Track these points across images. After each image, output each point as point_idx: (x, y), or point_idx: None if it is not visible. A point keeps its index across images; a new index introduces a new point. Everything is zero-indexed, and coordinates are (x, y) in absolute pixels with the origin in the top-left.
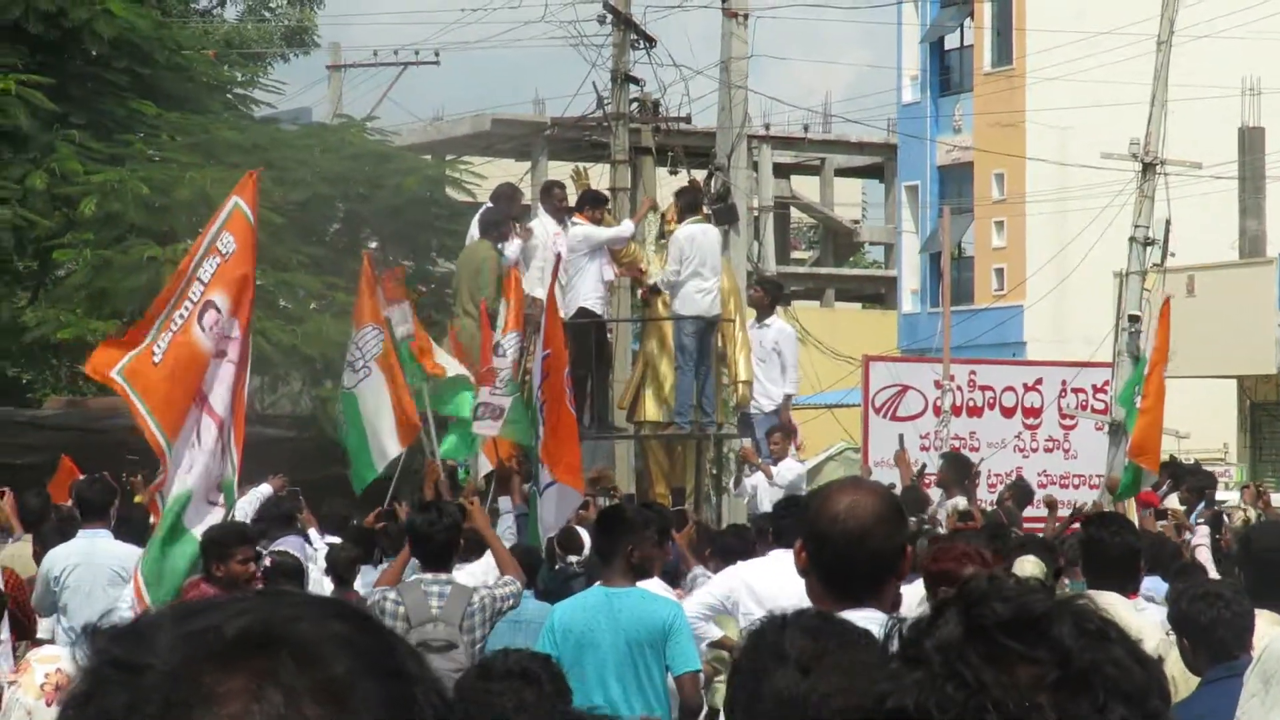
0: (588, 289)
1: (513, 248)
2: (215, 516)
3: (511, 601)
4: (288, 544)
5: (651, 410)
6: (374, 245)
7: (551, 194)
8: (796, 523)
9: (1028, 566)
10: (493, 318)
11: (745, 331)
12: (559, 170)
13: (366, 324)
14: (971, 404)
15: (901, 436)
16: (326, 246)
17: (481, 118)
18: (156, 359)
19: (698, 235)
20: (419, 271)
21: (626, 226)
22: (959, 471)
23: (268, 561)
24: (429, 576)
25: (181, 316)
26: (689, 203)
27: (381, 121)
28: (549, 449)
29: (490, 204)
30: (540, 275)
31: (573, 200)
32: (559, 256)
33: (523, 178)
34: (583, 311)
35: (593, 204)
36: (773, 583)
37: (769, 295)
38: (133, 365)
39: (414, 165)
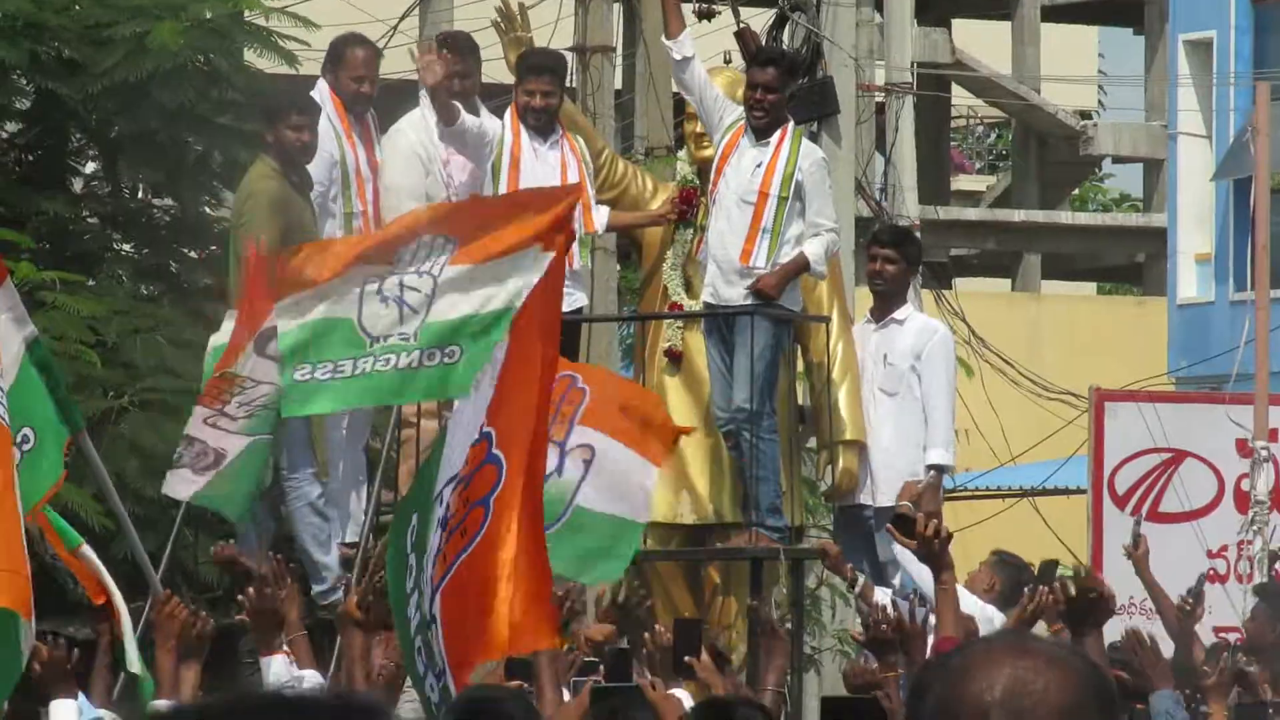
0: None
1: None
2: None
3: None
4: None
5: (662, 502)
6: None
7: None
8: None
9: None
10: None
11: (849, 339)
12: (474, 11)
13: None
14: None
15: (1139, 521)
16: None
17: None
18: None
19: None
20: (183, 220)
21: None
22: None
23: None
24: None
25: None
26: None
27: None
28: (452, 642)
29: (324, 73)
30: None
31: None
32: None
33: (394, 28)
34: None
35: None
36: None
37: (905, 263)
38: None
39: (175, 1)
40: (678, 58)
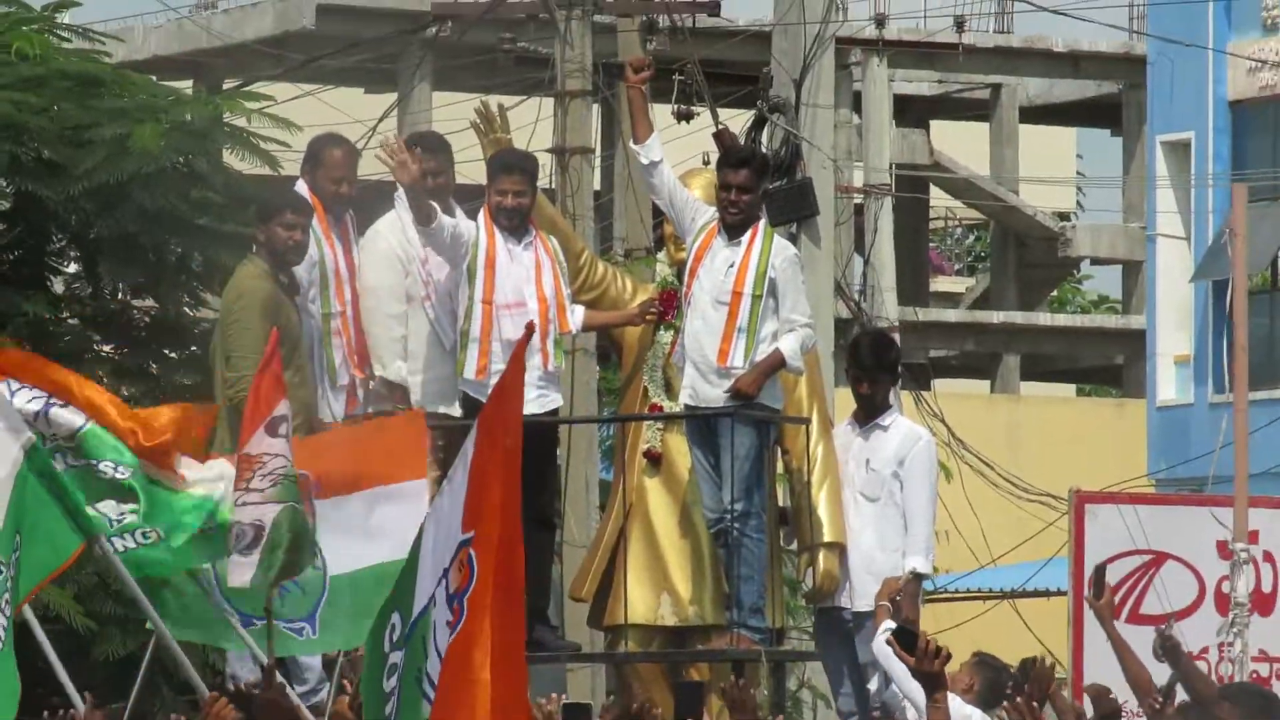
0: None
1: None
2: None
3: None
4: None
5: (642, 604)
6: (75, 269)
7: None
8: None
9: None
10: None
11: (829, 442)
12: (453, 112)
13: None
14: None
15: (1102, 568)
16: None
17: (297, 1)
18: None
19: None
20: (164, 321)
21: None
22: None
23: None
24: None
25: None
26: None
27: (91, 13)
28: None
29: (303, 173)
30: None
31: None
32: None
33: (372, 128)
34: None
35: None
36: None
37: (881, 378)
38: None
39: (156, 103)
40: (645, 162)
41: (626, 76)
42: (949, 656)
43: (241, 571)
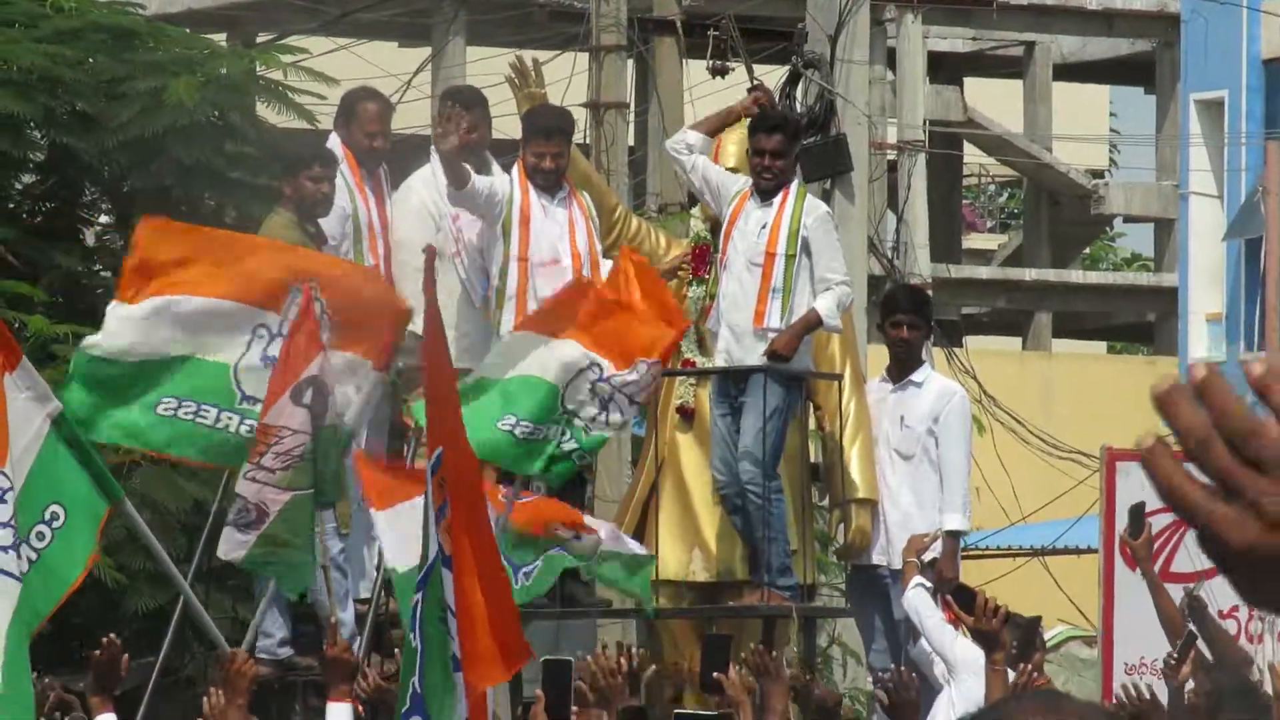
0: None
1: (412, 220)
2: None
3: None
4: None
5: (673, 560)
6: (107, 218)
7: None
8: None
9: None
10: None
11: (861, 398)
12: (487, 67)
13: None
14: None
15: (1140, 507)
16: (12, 222)
17: None
18: None
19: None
20: None
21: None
22: None
23: None
24: None
25: None
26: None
27: None
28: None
29: (337, 127)
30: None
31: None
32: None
33: (407, 83)
34: None
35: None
36: None
37: (925, 325)
38: None
39: (191, 57)
40: (680, 144)
41: (745, 99)
42: (1008, 615)
43: (233, 547)
